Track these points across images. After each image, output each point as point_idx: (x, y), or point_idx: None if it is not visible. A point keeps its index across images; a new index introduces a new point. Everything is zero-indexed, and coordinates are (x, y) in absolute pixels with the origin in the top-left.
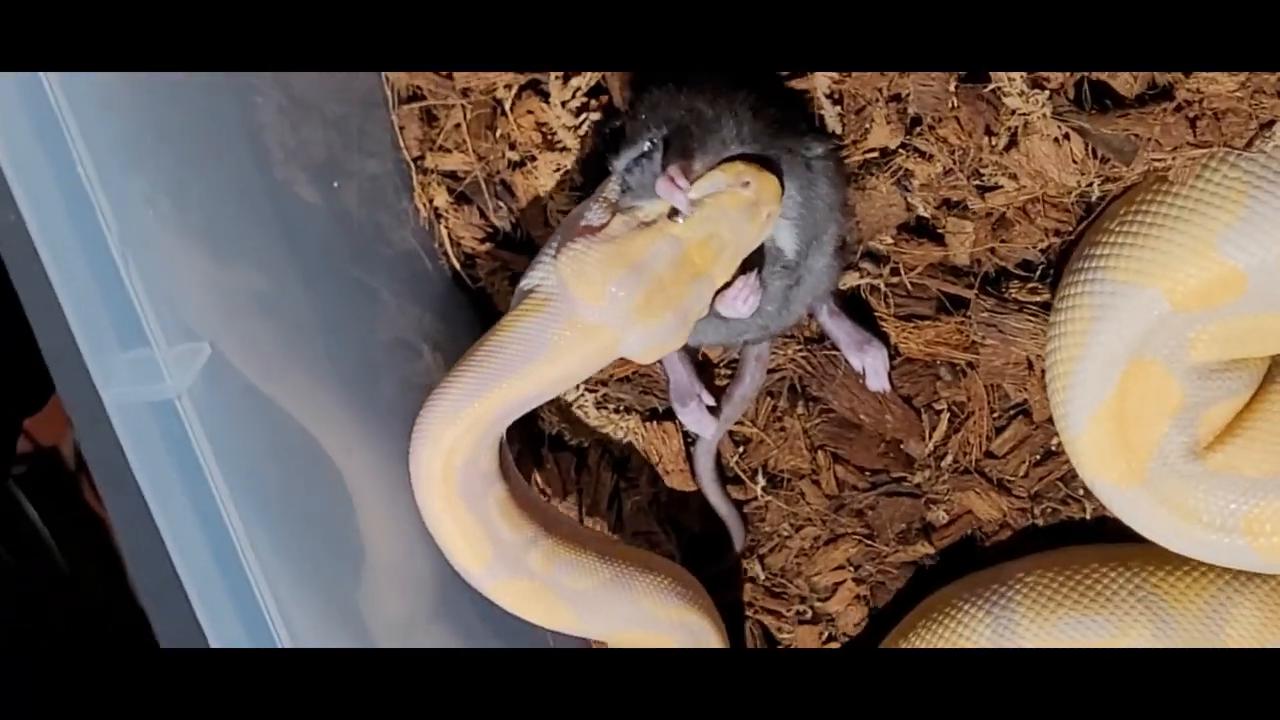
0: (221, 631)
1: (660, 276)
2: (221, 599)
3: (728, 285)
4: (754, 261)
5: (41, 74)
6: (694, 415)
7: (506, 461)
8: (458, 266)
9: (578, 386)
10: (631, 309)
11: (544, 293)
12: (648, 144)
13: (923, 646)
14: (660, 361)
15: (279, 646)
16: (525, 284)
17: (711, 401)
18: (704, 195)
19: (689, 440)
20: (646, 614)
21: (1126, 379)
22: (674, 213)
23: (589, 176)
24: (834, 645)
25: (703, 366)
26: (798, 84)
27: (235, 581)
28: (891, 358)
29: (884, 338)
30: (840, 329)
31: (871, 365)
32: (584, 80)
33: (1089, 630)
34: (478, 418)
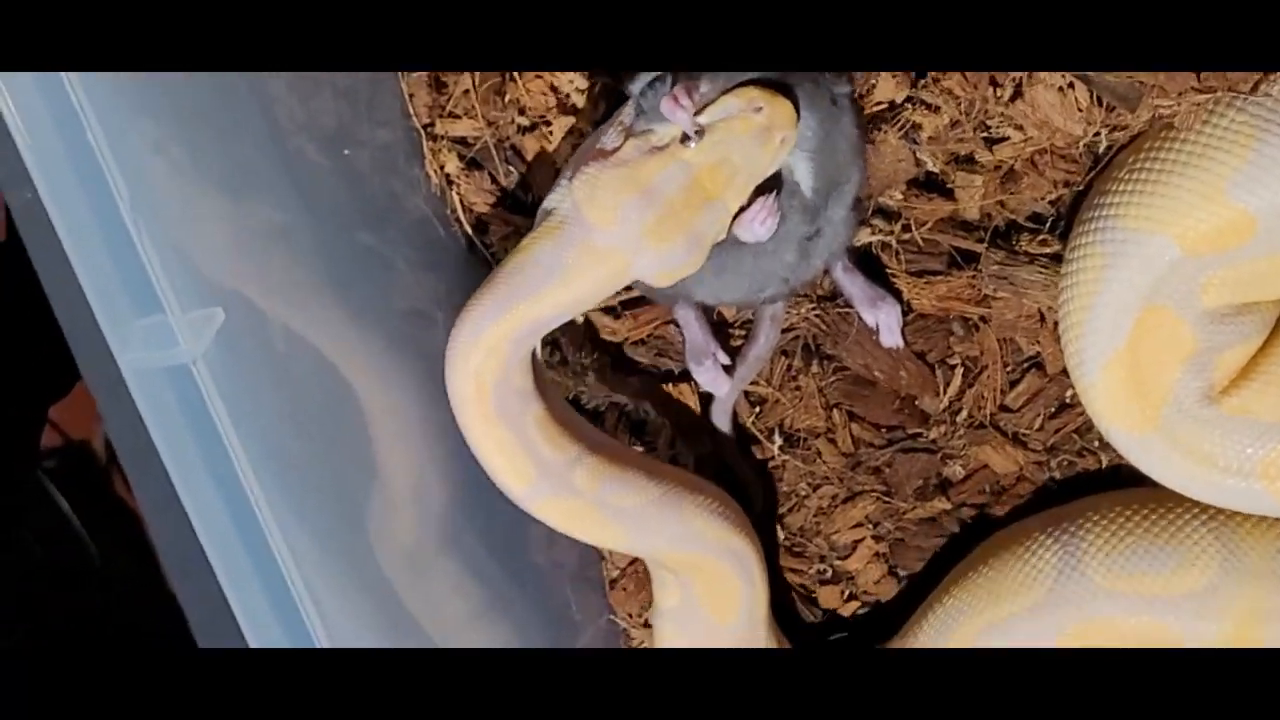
0: (241, 591)
1: (671, 200)
2: (241, 559)
3: (745, 210)
4: (771, 186)
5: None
6: (709, 374)
7: (543, 381)
8: (470, 232)
9: (593, 350)
10: (643, 232)
11: (559, 216)
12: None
13: (990, 575)
14: (676, 322)
15: (298, 606)
16: (545, 206)
17: (727, 360)
18: (715, 120)
19: (705, 401)
20: (695, 534)
21: (1139, 326)
22: (685, 137)
23: None
24: (855, 604)
25: (718, 327)
26: None
27: (254, 542)
28: (904, 313)
29: (897, 294)
30: (854, 285)
31: (885, 321)
32: None
33: (1155, 560)
34: (499, 339)
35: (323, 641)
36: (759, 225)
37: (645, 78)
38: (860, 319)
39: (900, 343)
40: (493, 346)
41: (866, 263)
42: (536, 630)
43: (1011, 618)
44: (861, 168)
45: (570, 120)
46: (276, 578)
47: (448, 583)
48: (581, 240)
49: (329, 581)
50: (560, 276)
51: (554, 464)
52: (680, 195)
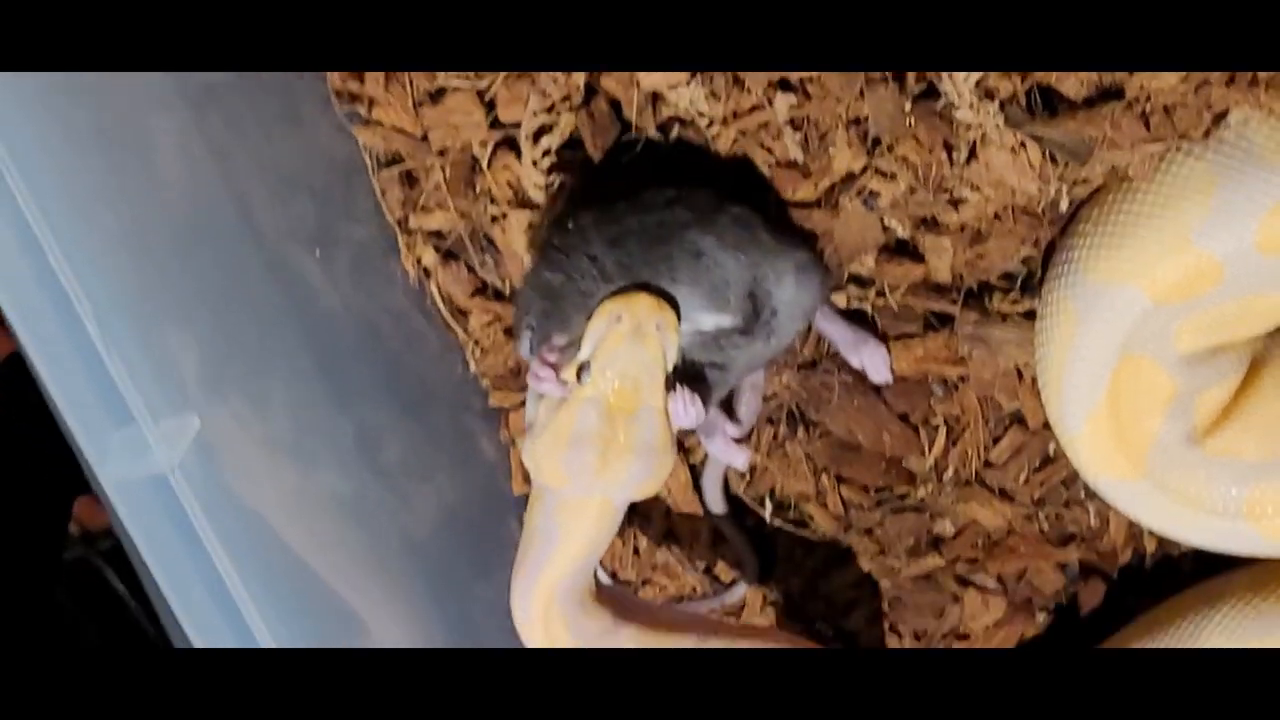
0: None
1: (598, 435)
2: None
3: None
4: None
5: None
6: (721, 446)
7: (619, 601)
8: (451, 322)
9: None
10: (594, 474)
11: (536, 488)
12: (527, 336)
13: None
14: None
15: None
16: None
17: (736, 432)
18: (593, 348)
19: (696, 476)
20: None
21: (1118, 377)
22: (579, 377)
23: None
24: None
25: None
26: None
27: (244, 640)
28: None
29: (881, 335)
30: (835, 329)
31: (870, 361)
32: (556, 138)
33: None
34: (546, 606)
35: None
36: (683, 416)
37: (526, 340)
38: (843, 379)
39: (889, 379)
40: (546, 614)
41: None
42: None
43: None
44: (785, 253)
45: (529, 214)
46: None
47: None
48: (557, 503)
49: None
50: (561, 537)
51: None
52: (604, 426)
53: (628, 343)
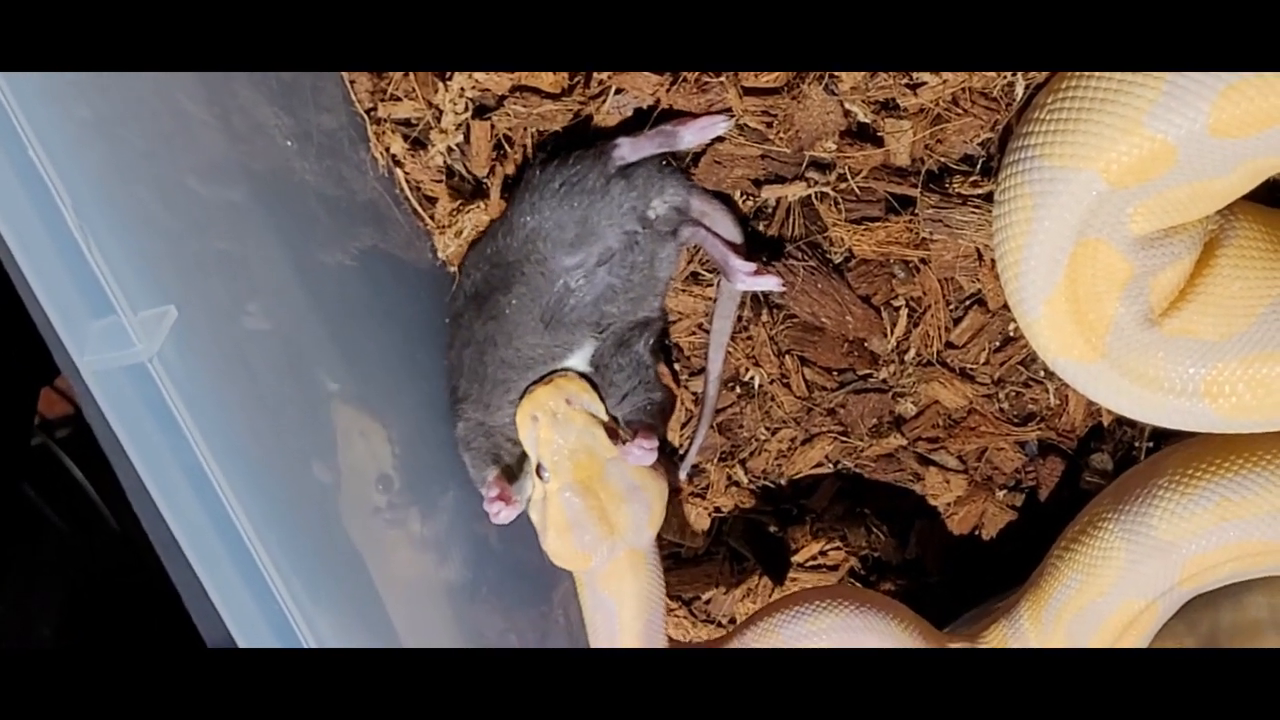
0: (215, 575)
1: (589, 509)
2: (212, 542)
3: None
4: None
5: None
6: (749, 282)
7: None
8: (419, 209)
9: None
10: (606, 540)
11: (578, 581)
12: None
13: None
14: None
15: (268, 580)
16: None
17: (749, 265)
18: (538, 454)
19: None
20: None
21: (1075, 260)
22: (540, 477)
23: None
24: (823, 541)
25: None
26: None
27: (224, 528)
28: (846, 259)
29: (830, 242)
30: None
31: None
32: None
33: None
34: None
35: (293, 613)
36: (645, 456)
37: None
38: (805, 266)
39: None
40: None
41: (811, 216)
42: (518, 618)
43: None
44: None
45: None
46: (247, 560)
47: (410, 558)
48: (596, 577)
49: (298, 564)
50: (616, 603)
51: None
52: (587, 500)
53: (556, 430)
